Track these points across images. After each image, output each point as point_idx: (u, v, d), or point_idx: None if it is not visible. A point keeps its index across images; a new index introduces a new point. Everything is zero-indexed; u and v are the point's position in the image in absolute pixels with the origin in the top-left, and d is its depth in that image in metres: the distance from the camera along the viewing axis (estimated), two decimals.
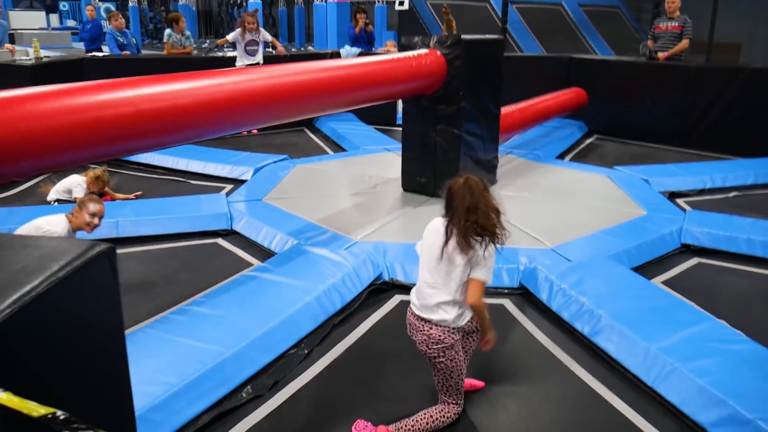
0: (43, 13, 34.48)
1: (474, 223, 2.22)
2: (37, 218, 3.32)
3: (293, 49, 17.32)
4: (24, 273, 1.09)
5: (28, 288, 1.04)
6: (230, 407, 2.54)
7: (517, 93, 7.45)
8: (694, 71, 7.41)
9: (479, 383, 2.73)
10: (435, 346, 2.28)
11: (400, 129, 7.91)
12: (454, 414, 2.42)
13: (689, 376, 2.57)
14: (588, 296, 3.26)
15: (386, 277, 3.73)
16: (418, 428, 2.35)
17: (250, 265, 4.05)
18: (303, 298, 3.22)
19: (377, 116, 8.67)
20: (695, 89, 7.36)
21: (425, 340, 2.30)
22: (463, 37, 4.87)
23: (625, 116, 7.92)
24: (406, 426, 2.36)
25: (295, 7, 30.83)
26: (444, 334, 2.27)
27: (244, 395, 2.61)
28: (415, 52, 4.75)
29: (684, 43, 7.59)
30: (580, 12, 15.57)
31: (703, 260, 4.19)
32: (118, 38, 8.08)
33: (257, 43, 7.36)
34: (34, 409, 0.96)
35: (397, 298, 3.58)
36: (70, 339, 1.16)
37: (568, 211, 4.95)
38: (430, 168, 5.19)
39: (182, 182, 5.96)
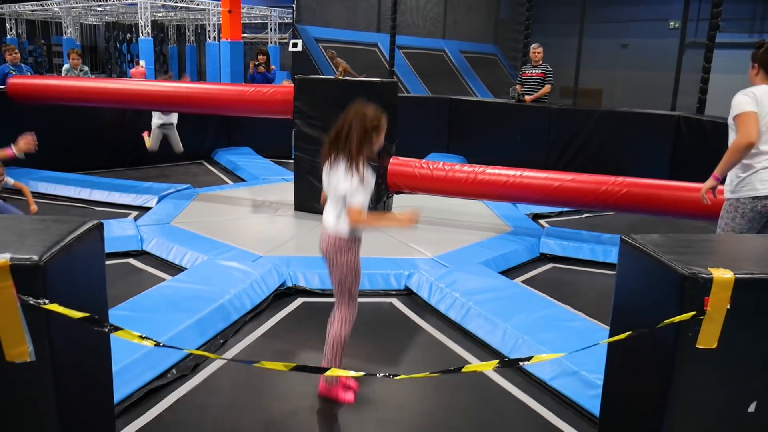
0: None
1: (347, 150, 2.68)
2: None
3: None
4: (52, 235, 1.55)
5: (62, 244, 1.51)
6: (159, 385, 2.96)
7: (405, 130, 8.29)
8: (556, 112, 8.53)
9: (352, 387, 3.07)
10: (331, 249, 2.79)
11: None
12: (352, 315, 2.91)
13: (535, 345, 3.27)
14: (460, 292, 3.94)
15: (289, 284, 4.24)
16: (338, 344, 2.82)
17: (163, 279, 4.41)
18: (218, 300, 3.67)
19: (275, 150, 9.20)
20: (557, 127, 8.47)
21: (324, 246, 2.81)
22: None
23: (499, 151, 8.88)
24: (330, 356, 2.83)
25: (186, 45, 30.87)
26: (336, 240, 2.77)
27: (170, 376, 3.03)
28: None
29: (546, 88, 8.71)
30: (461, 57, 16.94)
31: (557, 265, 5.04)
32: (12, 71, 8.12)
33: None
34: (74, 313, 1.43)
35: (299, 300, 4.10)
36: (79, 282, 1.62)
37: (446, 228, 5.68)
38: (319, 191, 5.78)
39: (86, 209, 6.18)
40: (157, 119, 7.45)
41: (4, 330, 1.44)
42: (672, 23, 15.90)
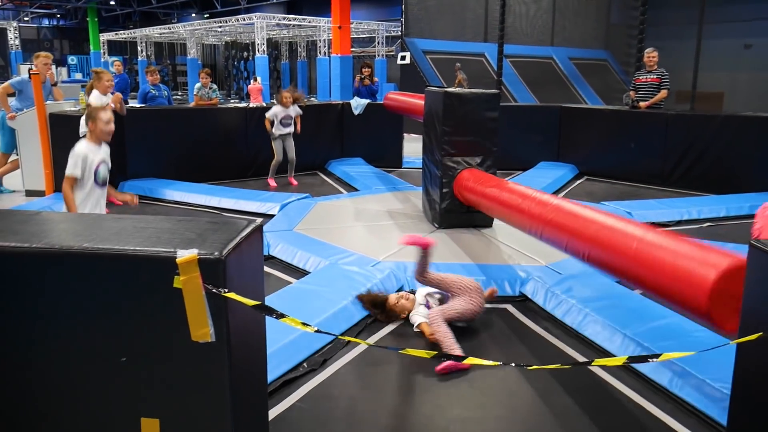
0: (53, 67, 35.68)
1: None
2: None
3: None
4: (226, 234, 1.81)
5: (236, 242, 1.77)
6: (292, 377, 3.23)
7: (513, 140, 8.42)
8: (673, 118, 8.26)
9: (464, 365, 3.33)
10: None
11: (406, 170, 8.73)
12: None
13: (656, 353, 3.26)
14: (576, 299, 3.97)
15: (407, 288, 4.43)
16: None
17: (289, 282, 4.73)
18: (341, 302, 3.92)
19: (385, 160, 9.51)
20: (674, 134, 8.19)
21: None
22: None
23: (612, 159, 8.73)
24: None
25: (298, 61, 32.24)
26: None
27: (301, 369, 3.30)
28: None
29: (662, 93, 8.47)
30: (570, 64, 16.64)
31: None
32: (152, 91, 8.93)
33: (291, 117, 8.09)
34: (249, 302, 1.67)
35: None
36: (246, 275, 1.87)
37: None
38: (436, 202, 5.94)
39: (216, 214, 6.70)
40: (276, 130, 7.94)
41: (191, 313, 1.70)
42: None
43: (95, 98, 6.21)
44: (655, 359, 1.90)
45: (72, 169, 3.81)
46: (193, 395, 1.81)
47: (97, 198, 3.98)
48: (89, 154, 3.87)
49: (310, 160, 9.10)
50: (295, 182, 8.23)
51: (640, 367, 3.28)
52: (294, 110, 8.02)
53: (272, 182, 8.12)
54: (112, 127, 3.97)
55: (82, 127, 5.95)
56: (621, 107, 9.02)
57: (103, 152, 4.01)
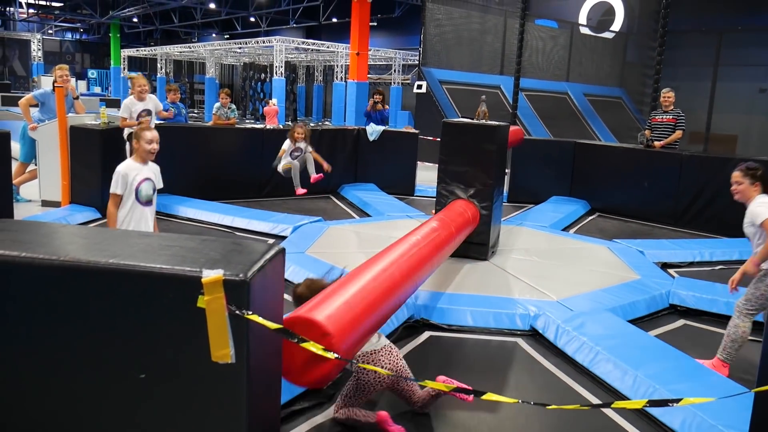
0: (72, 80, 36.34)
1: None
2: None
3: (311, 124, 18.33)
4: (250, 256, 1.84)
5: (260, 264, 1.79)
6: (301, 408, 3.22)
7: (526, 173, 8.51)
8: (687, 159, 8.27)
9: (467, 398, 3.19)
10: None
11: (418, 198, 8.75)
12: None
13: (668, 395, 3.23)
14: (588, 336, 3.95)
15: (417, 317, 4.42)
16: None
17: None
18: None
19: (398, 187, 9.55)
20: (688, 175, 8.19)
21: None
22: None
23: (625, 197, 8.73)
24: None
25: (315, 85, 32.59)
26: None
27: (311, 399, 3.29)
28: None
29: (677, 133, 8.49)
30: (584, 100, 16.74)
31: (688, 318, 4.89)
32: (171, 109, 9.03)
33: (301, 150, 8.11)
34: (271, 324, 1.68)
35: (426, 334, 4.28)
36: (268, 298, 1.89)
37: (570, 272, 5.66)
38: None
39: (229, 233, 6.73)
40: (284, 160, 7.90)
41: (213, 334, 1.71)
42: None
43: (129, 103, 6.45)
44: (675, 404, 1.89)
45: (113, 187, 3.95)
46: (210, 415, 1.82)
47: (141, 215, 4.05)
48: (130, 173, 3.98)
49: (324, 184, 9.11)
50: (302, 190, 8.09)
51: (652, 409, 3.25)
52: (303, 144, 7.94)
53: (300, 190, 8.03)
54: (155, 146, 4.06)
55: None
56: (635, 145, 9.04)
57: (148, 171, 4.10)
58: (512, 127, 7.87)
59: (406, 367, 3.15)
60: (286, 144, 7.86)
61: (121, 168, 3.99)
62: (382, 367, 3.00)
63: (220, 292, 1.69)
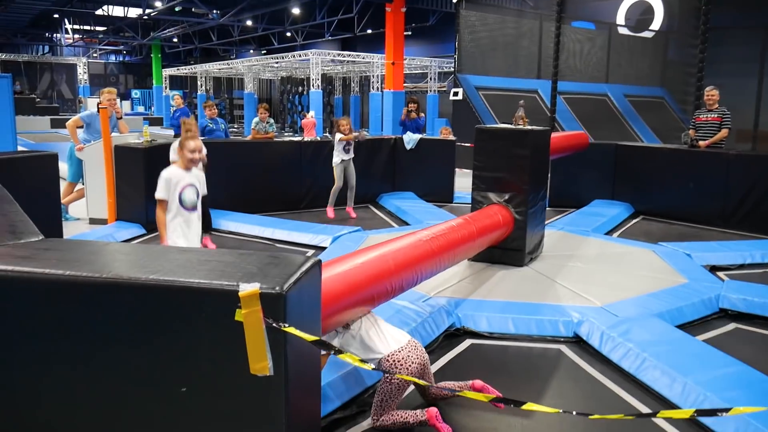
0: (118, 101, 37.58)
1: None
2: None
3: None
4: (287, 268, 1.85)
5: (296, 277, 1.80)
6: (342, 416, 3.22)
7: (567, 177, 8.39)
8: (734, 158, 8.02)
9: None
10: None
11: (457, 205, 8.71)
12: None
13: (720, 403, 3.12)
14: (634, 343, 3.85)
15: (458, 325, 4.39)
16: None
17: None
18: None
19: (436, 194, 9.52)
20: (735, 174, 7.94)
21: None
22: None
23: (670, 199, 8.51)
24: None
25: (351, 96, 32.84)
26: None
27: (351, 410, 3.29)
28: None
29: (723, 132, 8.25)
30: (625, 101, 16.42)
31: (740, 322, 4.72)
32: (210, 125, 9.22)
33: (351, 143, 8.24)
34: (308, 336, 1.69)
35: (467, 342, 4.23)
36: (305, 309, 1.90)
37: (615, 277, 5.54)
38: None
39: (269, 245, 6.82)
40: (337, 157, 8.06)
41: (251, 347, 1.73)
42: None
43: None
44: (724, 413, 1.81)
45: (157, 192, 4.11)
46: (250, 428, 1.83)
47: (186, 220, 4.18)
48: (172, 178, 4.14)
49: (362, 194, 9.18)
50: (354, 214, 8.29)
51: (703, 418, 3.15)
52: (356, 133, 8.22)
53: (331, 212, 8.16)
54: (196, 155, 4.22)
55: (172, 154, 6.24)
56: (679, 146, 8.82)
57: (192, 177, 4.25)
58: (575, 132, 7.90)
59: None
60: (336, 141, 8.01)
61: (164, 173, 4.15)
62: (412, 362, 3.05)
63: (257, 305, 1.70)
